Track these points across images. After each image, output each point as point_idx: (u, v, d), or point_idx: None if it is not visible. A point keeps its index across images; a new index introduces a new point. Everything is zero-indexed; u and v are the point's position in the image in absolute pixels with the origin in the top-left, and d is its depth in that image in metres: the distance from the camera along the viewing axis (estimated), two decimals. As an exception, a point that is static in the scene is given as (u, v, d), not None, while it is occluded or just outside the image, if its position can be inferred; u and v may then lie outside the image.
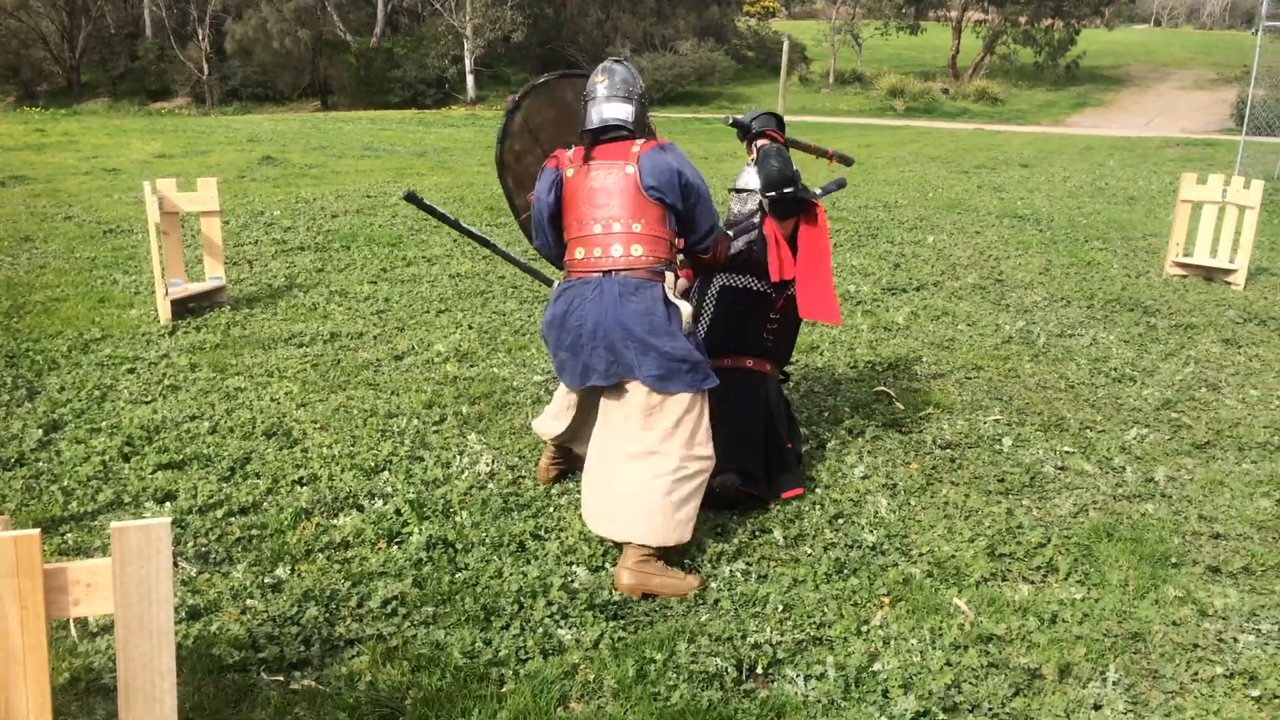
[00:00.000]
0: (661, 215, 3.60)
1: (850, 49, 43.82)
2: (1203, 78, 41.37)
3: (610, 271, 3.56)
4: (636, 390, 3.56)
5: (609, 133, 3.70)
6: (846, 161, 4.64)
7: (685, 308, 3.59)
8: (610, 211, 3.60)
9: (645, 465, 3.54)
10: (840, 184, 4.63)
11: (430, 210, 4.45)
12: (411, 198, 4.43)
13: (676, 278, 3.70)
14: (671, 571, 3.50)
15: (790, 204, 4.14)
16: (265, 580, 3.43)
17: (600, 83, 3.74)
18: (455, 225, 4.49)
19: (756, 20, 51.74)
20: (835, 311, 4.22)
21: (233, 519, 3.87)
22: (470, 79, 38.02)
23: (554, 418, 4.15)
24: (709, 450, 3.61)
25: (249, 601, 3.31)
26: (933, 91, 37.60)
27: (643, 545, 3.46)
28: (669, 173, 3.58)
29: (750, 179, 4.45)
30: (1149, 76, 42.92)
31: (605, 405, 3.69)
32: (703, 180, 3.69)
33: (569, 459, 4.27)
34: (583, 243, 3.63)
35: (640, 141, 3.66)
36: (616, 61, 3.83)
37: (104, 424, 4.75)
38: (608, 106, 3.70)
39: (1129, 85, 40.78)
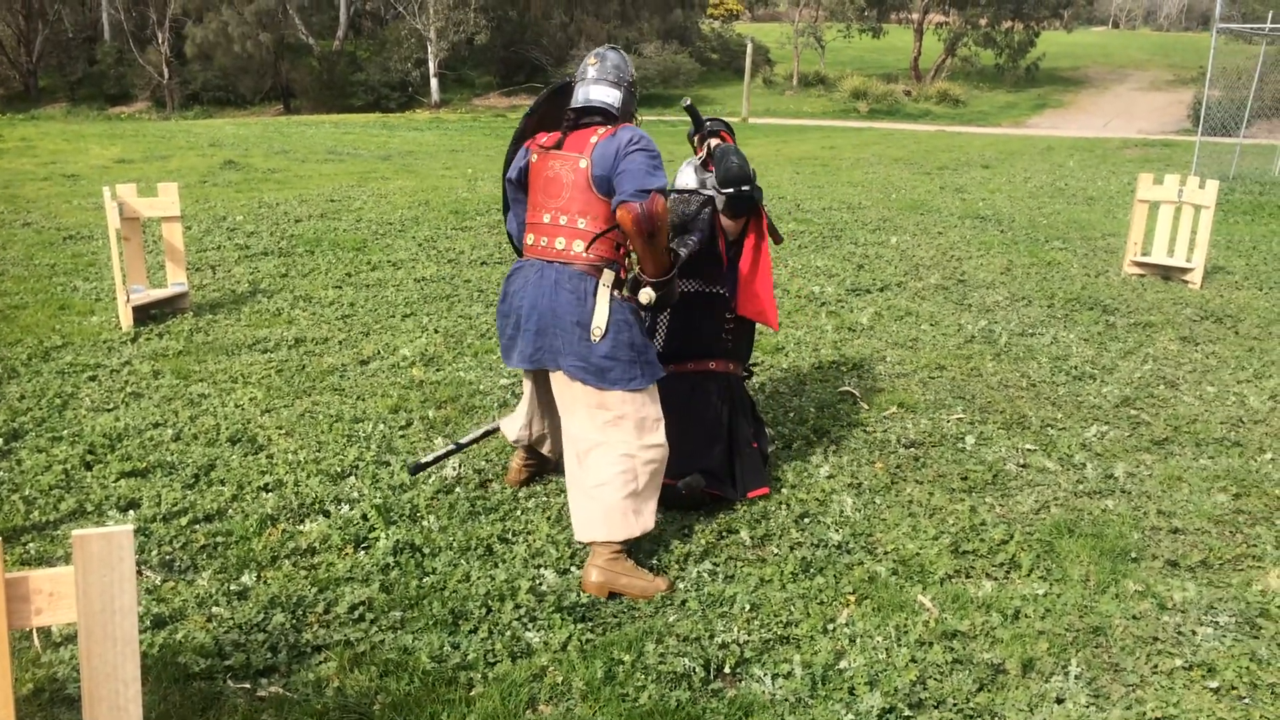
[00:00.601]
0: (609, 211, 3.53)
1: (813, 51, 44.09)
2: (1160, 79, 41.98)
3: (553, 261, 3.59)
4: (573, 384, 3.58)
5: (590, 115, 3.67)
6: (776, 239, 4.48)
7: (601, 311, 3.51)
8: (560, 203, 3.61)
9: (597, 461, 3.56)
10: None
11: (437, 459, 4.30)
12: (416, 469, 4.27)
13: (618, 274, 3.60)
14: (640, 572, 3.51)
15: (745, 202, 4.14)
16: (231, 587, 3.41)
17: (592, 65, 3.74)
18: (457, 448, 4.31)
19: (720, 23, 51.96)
20: (774, 315, 4.25)
21: (197, 526, 3.84)
22: (434, 82, 37.89)
23: (515, 419, 4.16)
24: (659, 438, 3.61)
25: (214, 609, 3.29)
26: (895, 93, 37.91)
27: (608, 542, 3.48)
28: (610, 154, 3.49)
29: (690, 179, 4.33)
30: (1107, 78, 43.49)
31: (559, 404, 3.70)
32: (651, 151, 3.47)
33: (539, 461, 4.26)
34: (534, 229, 3.67)
35: (603, 130, 3.58)
36: (611, 48, 3.82)
37: (65, 432, 4.70)
38: (594, 89, 3.69)
39: (1088, 87, 41.30)
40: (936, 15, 44.88)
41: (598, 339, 3.49)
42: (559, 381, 3.63)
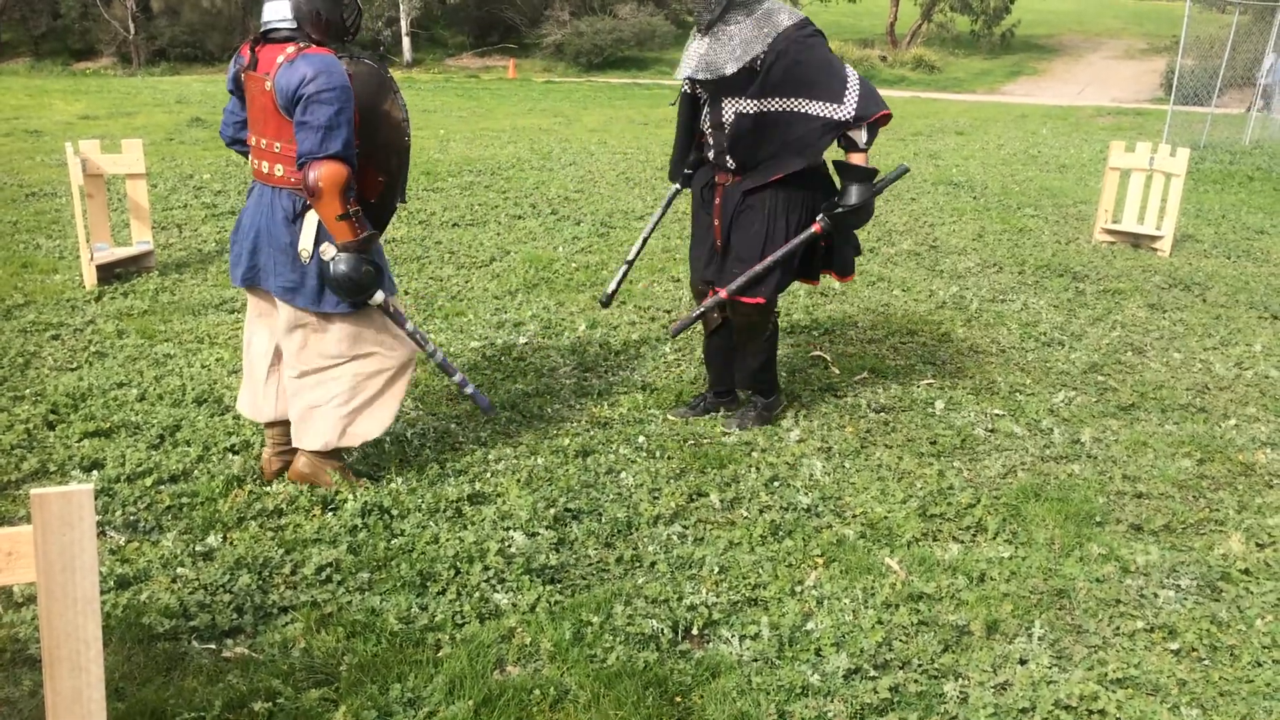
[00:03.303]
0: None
1: (790, 15, 43.76)
2: (1133, 47, 42.03)
3: (268, 185, 3.57)
4: (283, 305, 3.61)
5: (270, 33, 3.49)
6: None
7: (308, 233, 3.49)
8: (258, 126, 3.56)
9: (312, 381, 3.69)
10: (903, 170, 4.38)
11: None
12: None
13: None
14: (343, 475, 3.79)
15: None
16: (196, 549, 3.39)
17: None
18: None
19: (696, -15, 51.38)
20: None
21: (162, 487, 3.80)
22: (406, 41, 37.38)
23: (247, 390, 3.95)
24: (377, 359, 3.70)
25: (179, 570, 3.26)
26: (871, 59, 37.77)
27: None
28: (292, 87, 3.32)
29: None
30: (1081, 46, 43.51)
31: (278, 325, 3.72)
32: (333, 100, 3.29)
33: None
34: (253, 151, 3.62)
35: (291, 49, 3.39)
36: None
37: (28, 391, 4.63)
38: (268, 6, 3.49)
39: (1062, 54, 41.31)
40: (913, -20, 44.63)
41: (306, 261, 3.51)
42: (273, 303, 3.69)
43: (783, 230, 4.18)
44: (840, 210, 4.09)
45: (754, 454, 4.26)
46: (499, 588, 3.24)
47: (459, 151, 12.69)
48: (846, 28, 43.27)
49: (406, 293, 6.41)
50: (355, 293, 3.50)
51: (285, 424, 3.88)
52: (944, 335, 5.94)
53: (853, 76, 4.03)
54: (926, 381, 5.15)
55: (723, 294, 4.22)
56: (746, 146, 4.14)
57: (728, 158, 4.22)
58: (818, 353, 5.53)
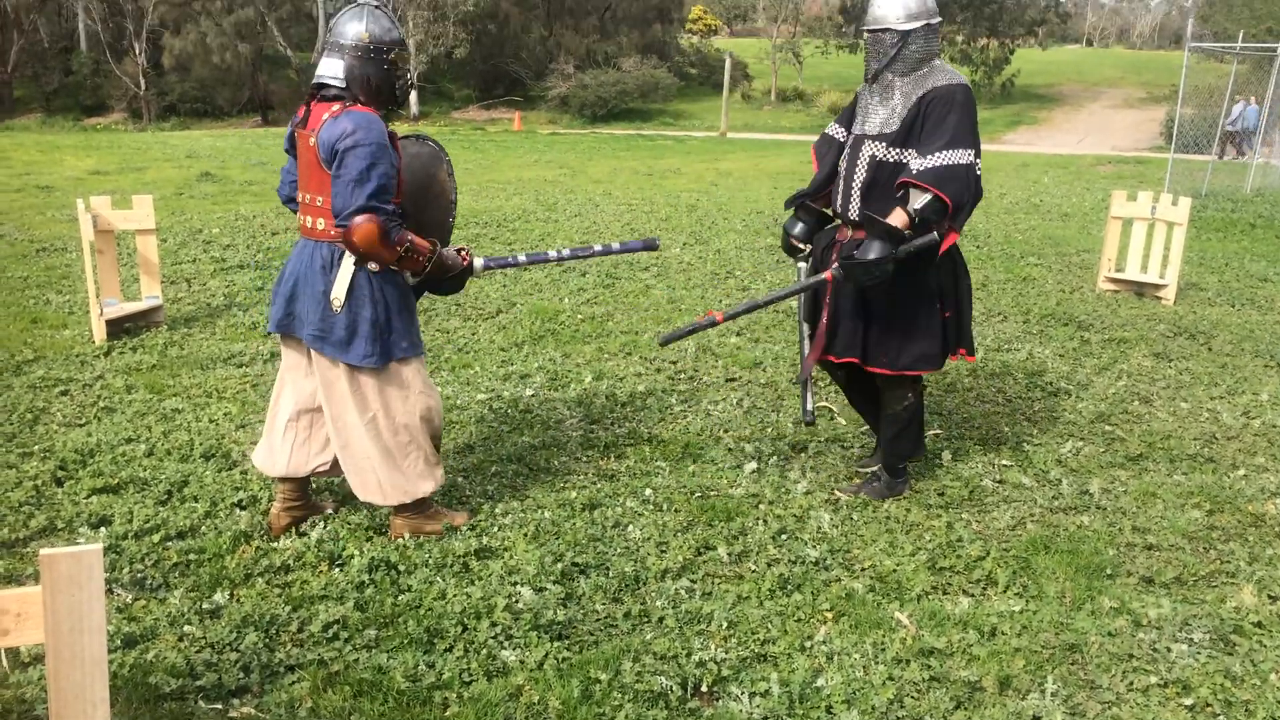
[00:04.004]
0: None
1: (791, 67, 44.36)
2: (1133, 96, 42.43)
3: (310, 239, 3.67)
4: (318, 357, 3.67)
5: (322, 90, 3.60)
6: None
7: (342, 283, 3.55)
8: (304, 182, 3.65)
9: (352, 435, 3.73)
10: (931, 239, 4.10)
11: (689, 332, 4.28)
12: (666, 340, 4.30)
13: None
14: (437, 516, 3.93)
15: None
16: (203, 606, 3.37)
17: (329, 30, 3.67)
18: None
19: (699, 38, 52.20)
20: None
21: (170, 544, 3.80)
22: (413, 94, 37.84)
23: (267, 444, 3.96)
24: (408, 413, 3.76)
25: (186, 628, 3.25)
26: (873, 109, 38.09)
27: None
28: (333, 141, 3.43)
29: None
30: (1081, 95, 43.92)
31: (318, 378, 3.77)
32: (367, 155, 3.38)
33: (304, 501, 3.98)
34: (300, 206, 3.72)
35: (337, 106, 3.50)
36: (352, 6, 3.63)
37: (36, 448, 4.64)
38: (323, 61, 3.60)
39: (1062, 104, 41.70)
40: (913, 32, 45.13)
41: (337, 310, 3.56)
42: (305, 355, 3.75)
43: (908, 286, 4.09)
44: (854, 262, 3.93)
45: (761, 506, 4.25)
46: (507, 644, 3.22)
47: (465, 203, 12.79)
48: (848, 79, 43.73)
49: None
50: (460, 285, 3.95)
51: (297, 480, 3.89)
52: (949, 385, 5.94)
53: (959, 153, 3.90)
54: (933, 432, 5.15)
55: (814, 355, 4.27)
56: (877, 196, 4.09)
57: (854, 204, 4.16)
58: (824, 404, 5.53)
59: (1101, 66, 52.89)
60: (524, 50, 40.76)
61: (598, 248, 4.27)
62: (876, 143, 4.11)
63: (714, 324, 4.22)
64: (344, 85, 3.55)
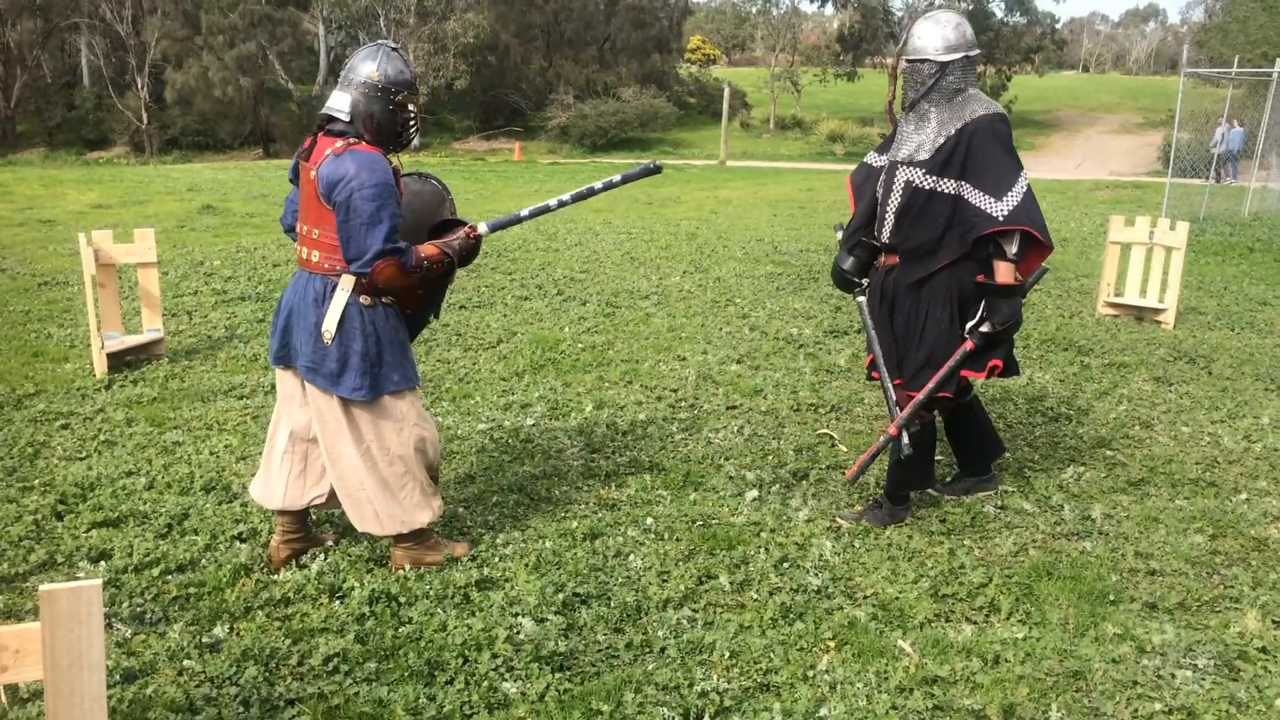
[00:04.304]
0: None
1: (790, 95, 44.64)
2: (1130, 122, 42.66)
3: (305, 270, 3.69)
4: (309, 387, 3.69)
5: (329, 124, 3.63)
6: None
7: (333, 315, 3.57)
8: (303, 213, 3.67)
9: (347, 465, 3.73)
10: (1043, 272, 4.43)
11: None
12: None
13: (360, 280, 3.58)
14: (436, 547, 3.92)
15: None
16: (203, 640, 3.36)
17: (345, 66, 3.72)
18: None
19: (698, 67, 52.56)
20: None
21: (170, 577, 3.79)
22: (414, 126, 38.06)
23: (265, 477, 3.94)
24: (402, 444, 3.76)
25: (186, 662, 3.24)
26: (871, 136, 38.34)
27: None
28: (334, 181, 3.46)
29: None
30: (1078, 121, 44.16)
31: (312, 409, 3.79)
32: (374, 197, 3.42)
33: (304, 534, 3.98)
34: (298, 238, 3.74)
35: (340, 143, 3.53)
36: (370, 45, 3.70)
37: (36, 481, 4.64)
38: (334, 95, 3.65)
39: (1059, 129, 41.92)
40: (910, 60, 45.51)
41: (328, 342, 3.58)
42: (301, 387, 3.77)
43: (940, 319, 4.18)
44: (995, 328, 4.08)
45: (763, 535, 4.24)
46: (508, 676, 3.20)
47: (466, 234, 12.82)
48: (846, 106, 44.02)
49: (414, 376, 6.44)
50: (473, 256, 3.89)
51: (295, 513, 3.89)
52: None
53: (1022, 181, 4.03)
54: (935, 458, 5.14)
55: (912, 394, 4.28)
56: (910, 222, 4.18)
57: (886, 230, 4.26)
58: (825, 431, 5.53)
59: (1098, 92, 53.20)
60: (524, 81, 41.07)
61: (598, 185, 4.14)
62: (912, 169, 4.19)
63: (891, 439, 4.27)
64: (349, 120, 3.59)
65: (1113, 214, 9.33)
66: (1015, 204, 3.98)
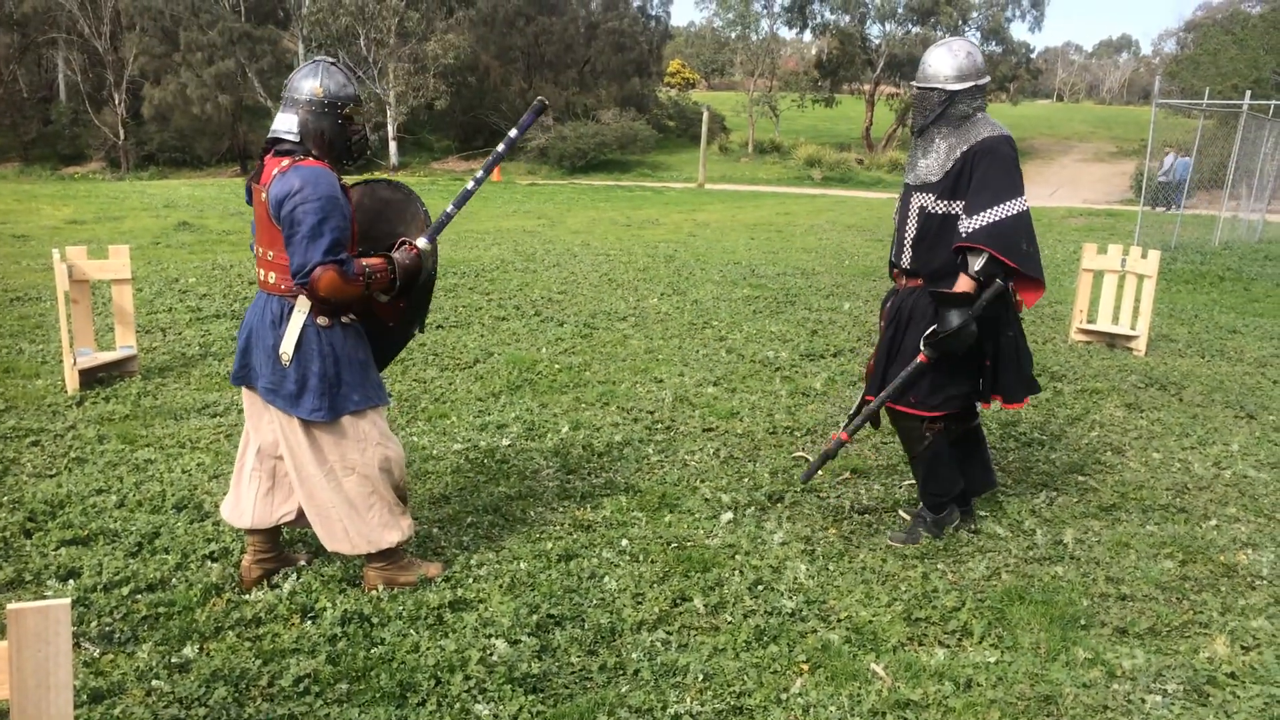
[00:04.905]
0: None
1: (768, 120, 44.93)
2: (1103, 150, 43.17)
3: (263, 292, 3.69)
4: (269, 408, 3.69)
5: (276, 145, 3.62)
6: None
7: (290, 337, 3.56)
8: (259, 236, 3.67)
9: (312, 486, 3.71)
10: (1000, 288, 4.24)
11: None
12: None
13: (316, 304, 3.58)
14: (411, 567, 3.91)
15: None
16: (172, 660, 3.33)
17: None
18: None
19: (677, 91, 52.87)
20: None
21: (139, 596, 3.75)
22: (393, 146, 38.07)
23: (235, 498, 3.92)
24: (365, 463, 3.73)
25: (154, 683, 3.20)
26: (848, 161, 38.63)
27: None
28: (282, 197, 3.43)
29: None
30: (1052, 149, 44.64)
31: (262, 436, 3.81)
32: (318, 210, 3.38)
33: (276, 553, 3.96)
34: (256, 260, 3.74)
35: (286, 161, 3.51)
36: (310, 62, 3.68)
37: (5, 499, 4.59)
38: (278, 117, 3.64)
39: (1033, 157, 42.34)
40: (887, 87, 46.02)
41: (286, 364, 3.58)
42: (264, 406, 3.75)
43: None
44: (940, 337, 4.10)
45: (738, 557, 4.25)
46: (480, 698, 3.19)
47: (443, 254, 12.82)
48: (824, 132, 44.35)
49: (390, 394, 6.41)
50: (430, 286, 3.87)
51: (266, 531, 3.86)
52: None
53: (1011, 205, 4.05)
54: (909, 482, 5.17)
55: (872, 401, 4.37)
56: (927, 247, 4.23)
57: (905, 255, 4.32)
58: (800, 453, 5.55)
59: (1072, 121, 53.82)
60: (504, 102, 41.13)
61: (501, 147, 4.04)
62: (924, 194, 4.25)
63: (842, 445, 4.44)
64: (298, 140, 3.57)
65: (1086, 241, 9.44)
66: (988, 223, 4.02)
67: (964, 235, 4.05)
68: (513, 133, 3.98)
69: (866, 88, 45.25)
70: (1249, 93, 17.58)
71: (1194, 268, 13.86)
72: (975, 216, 4.04)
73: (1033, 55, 51.80)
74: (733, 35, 47.52)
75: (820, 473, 5.27)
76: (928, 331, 4.17)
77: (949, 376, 4.27)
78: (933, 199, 4.19)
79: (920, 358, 4.18)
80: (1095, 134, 48.11)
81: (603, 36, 43.75)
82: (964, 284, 4.09)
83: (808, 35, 48.50)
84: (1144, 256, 8.48)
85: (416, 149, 40.55)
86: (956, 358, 4.21)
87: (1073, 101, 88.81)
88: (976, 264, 4.06)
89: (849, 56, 44.30)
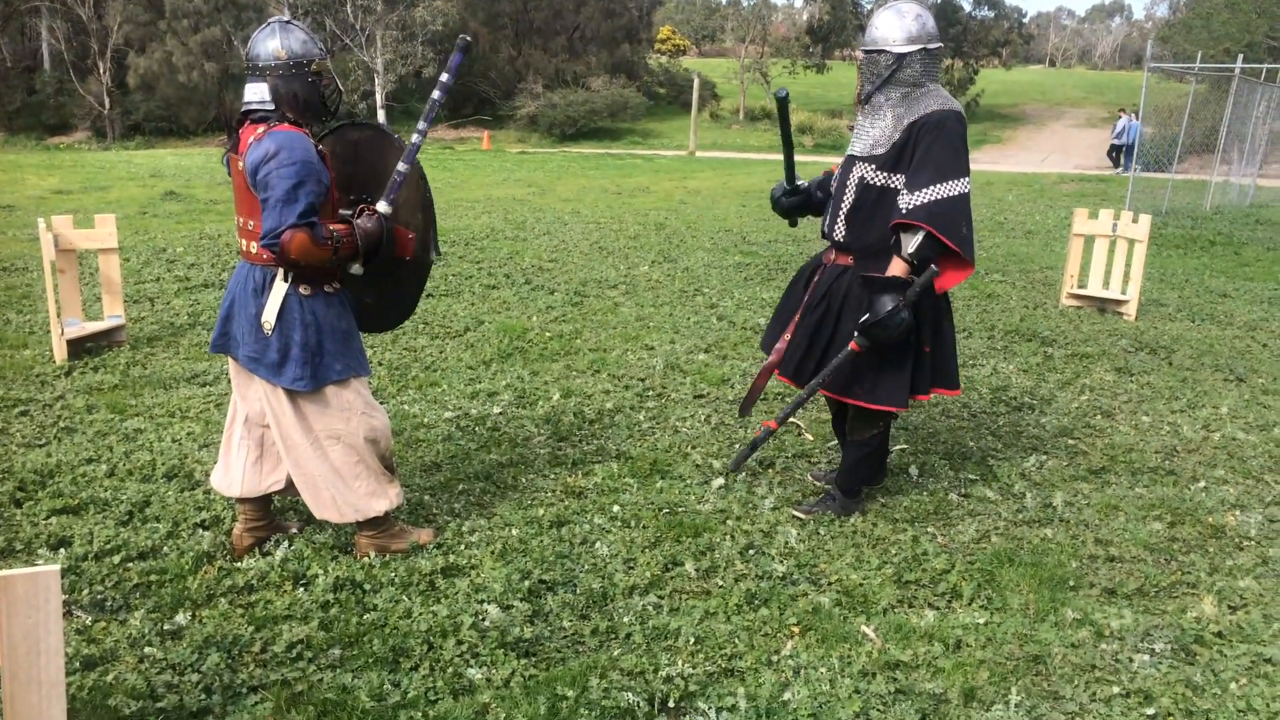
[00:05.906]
0: None
1: (759, 86, 44.66)
2: (1095, 116, 43.04)
3: (246, 262, 3.66)
4: (253, 378, 3.68)
5: (251, 115, 3.56)
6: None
7: (272, 306, 3.54)
8: (238, 206, 3.65)
9: (299, 455, 3.71)
10: (933, 273, 3.95)
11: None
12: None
13: (293, 273, 3.55)
14: (401, 533, 3.92)
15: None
16: (164, 627, 3.34)
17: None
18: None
19: (667, 58, 52.50)
20: None
21: (131, 564, 3.75)
22: (381, 114, 37.77)
23: (225, 467, 3.93)
24: (351, 433, 3.72)
25: (147, 649, 3.21)
26: (840, 128, 38.46)
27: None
28: (257, 163, 3.38)
29: None
30: (1044, 115, 44.51)
31: (249, 404, 3.81)
32: (292, 175, 3.33)
33: (267, 521, 3.97)
34: (237, 229, 3.71)
35: (261, 128, 3.45)
36: (268, 25, 3.56)
37: (-6, 469, 4.58)
38: (247, 88, 3.56)
39: (1026, 123, 42.24)
40: (879, 52, 45.72)
41: (268, 333, 3.56)
42: (248, 374, 3.72)
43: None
44: (871, 324, 3.91)
45: (729, 522, 4.26)
46: (473, 662, 3.20)
47: (433, 222, 12.75)
48: (815, 99, 44.10)
49: (380, 364, 6.41)
50: (380, 248, 3.66)
51: (256, 500, 3.86)
52: (915, 401, 5.97)
53: (953, 185, 3.86)
54: (900, 447, 5.18)
55: (803, 391, 4.24)
56: (862, 219, 4.05)
57: (840, 226, 4.13)
58: (791, 419, 5.55)
59: (1064, 87, 53.64)
60: (493, 70, 40.84)
61: (436, 94, 3.81)
62: (865, 164, 4.06)
63: (771, 433, 4.51)
64: (273, 107, 3.51)
65: (1077, 207, 9.43)
66: (926, 200, 3.83)
67: (903, 212, 3.86)
68: (444, 76, 3.81)
69: (858, 54, 44.99)
70: (1241, 56, 17.53)
71: (1185, 232, 13.87)
72: (916, 194, 3.85)
73: (1025, 20, 51.57)
74: (723, 1, 47.14)
75: (809, 437, 5.29)
76: (861, 319, 3.97)
77: (886, 369, 4.06)
78: (873, 169, 4.01)
79: (852, 345, 4.01)
80: (1088, 99, 47.96)
81: (592, 3, 43.38)
82: (896, 267, 3.92)
83: (799, 1, 48.18)
84: (1135, 221, 8.48)
85: (405, 117, 40.25)
86: (891, 347, 4.01)
87: (1065, 67, 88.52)
88: (911, 244, 3.87)
89: (840, 22, 44.03)
